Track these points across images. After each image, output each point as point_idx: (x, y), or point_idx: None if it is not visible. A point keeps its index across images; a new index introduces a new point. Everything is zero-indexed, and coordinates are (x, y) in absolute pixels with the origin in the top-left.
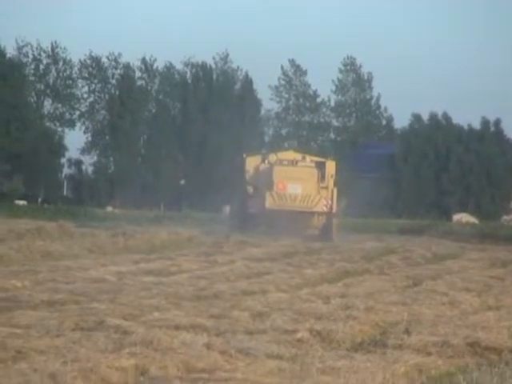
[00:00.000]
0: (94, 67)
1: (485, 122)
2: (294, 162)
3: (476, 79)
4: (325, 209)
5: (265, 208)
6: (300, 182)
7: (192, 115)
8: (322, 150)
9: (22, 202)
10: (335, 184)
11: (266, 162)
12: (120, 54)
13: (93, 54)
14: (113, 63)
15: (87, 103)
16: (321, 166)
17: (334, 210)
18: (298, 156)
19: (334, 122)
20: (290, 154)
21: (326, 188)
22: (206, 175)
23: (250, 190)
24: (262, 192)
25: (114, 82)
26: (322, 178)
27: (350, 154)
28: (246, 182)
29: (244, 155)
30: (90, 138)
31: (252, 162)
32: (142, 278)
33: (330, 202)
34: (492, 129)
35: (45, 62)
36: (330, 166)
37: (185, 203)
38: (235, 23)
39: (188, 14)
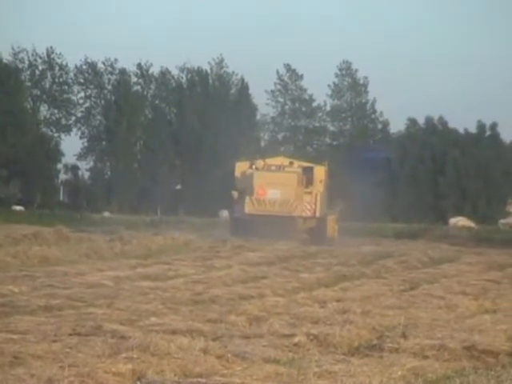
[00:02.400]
0: (90, 73)
1: (481, 126)
2: (280, 168)
3: (472, 83)
4: (308, 213)
5: (244, 213)
6: (280, 187)
7: (188, 120)
8: (319, 154)
9: (18, 208)
10: (326, 188)
11: (254, 167)
12: (116, 60)
13: (88, 60)
14: (109, 68)
15: (83, 108)
16: (308, 172)
17: (318, 214)
18: (286, 162)
19: (330, 127)
20: (279, 160)
21: (311, 193)
22: (202, 180)
23: (235, 195)
24: (243, 197)
25: (109, 87)
26: (308, 183)
27: (346, 158)
28: (233, 188)
29: (236, 161)
30: (86, 144)
31: (241, 168)
32: (139, 282)
33: (313, 206)
34: (488, 133)
35: (40, 67)
36: (319, 171)
37: (181, 208)
38: (230, 28)
39: (183, 19)
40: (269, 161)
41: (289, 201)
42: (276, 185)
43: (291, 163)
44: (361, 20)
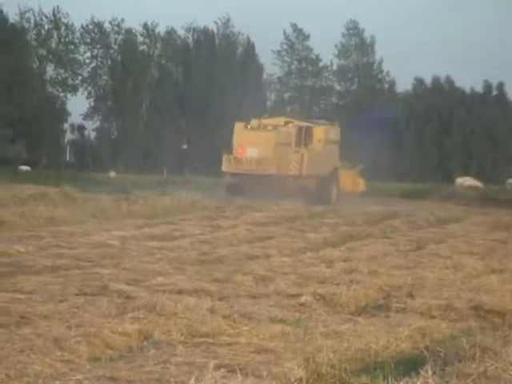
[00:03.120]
0: (96, 32)
1: (487, 86)
2: (266, 127)
3: (479, 42)
4: (294, 172)
5: (223, 171)
6: (258, 146)
7: (194, 80)
8: (325, 114)
9: (25, 168)
10: (328, 147)
11: (249, 127)
12: (122, 20)
13: (95, 20)
14: (115, 28)
15: (89, 68)
16: (301, 131)
17: (305, 173)
18: (282, 121)
19: (337, 87)
20: (276, 120)
21: (298, 152)
22: (208, 140)
23: (224, 155)
24: None
25: (116, 47)
26: (299, 142)
27: (353, 118)
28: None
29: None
30: (92, 104)
31: (238, 128)
32: (145, 242)
33: (299, 165)
34: (495, 92)
35: (47, 27)
36: (319, 131)
37: (187, 168)
38: None
39: None
40: (266, 121)
41: (266, 159)
42: (254, 143)
43: (287, 123)
44: None
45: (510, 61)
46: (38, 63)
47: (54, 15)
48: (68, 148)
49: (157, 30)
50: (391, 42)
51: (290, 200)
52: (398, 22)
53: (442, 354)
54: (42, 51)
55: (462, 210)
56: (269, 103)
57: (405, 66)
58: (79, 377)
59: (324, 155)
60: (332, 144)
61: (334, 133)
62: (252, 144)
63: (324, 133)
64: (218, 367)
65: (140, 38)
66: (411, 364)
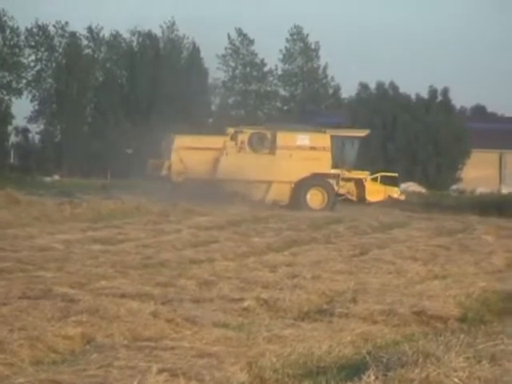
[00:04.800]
0: (41, 36)
1: (432, 91)
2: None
3: (424, 47)
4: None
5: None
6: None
7: (139, 84)
8: (269, 118)
9: None
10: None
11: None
12: (67, 23)
13: (39, 23)
14: (59, 31)
15: (34, 71)
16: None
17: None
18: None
19: (281, 91)
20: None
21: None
22: (153, 143)
23: None
24: None
25: (60, 50)
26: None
27: (298, 122)
28: None
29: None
30: (36, 107)
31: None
32: (89, 246)
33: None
34: (440, 98)
35: None
36: (284, 138)
37: (132, 172)
38: None
39: None
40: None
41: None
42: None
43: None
44: None
45: (455, 67)
46: None
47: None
48: (12, 151)
49: (101, 34)
50: (336, 47)
51: (235, 205)
52: (343, 28)
53: (384, 360)
54: None
55: (406, 216)
56: (213, 107)
57: (350, 71)
58: (22, 380)
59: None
60: (308, 151)
61: (316, 140)
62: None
63: (290, 139)
64: (160, 371)
65: (84, 42)
66: (354, 369)
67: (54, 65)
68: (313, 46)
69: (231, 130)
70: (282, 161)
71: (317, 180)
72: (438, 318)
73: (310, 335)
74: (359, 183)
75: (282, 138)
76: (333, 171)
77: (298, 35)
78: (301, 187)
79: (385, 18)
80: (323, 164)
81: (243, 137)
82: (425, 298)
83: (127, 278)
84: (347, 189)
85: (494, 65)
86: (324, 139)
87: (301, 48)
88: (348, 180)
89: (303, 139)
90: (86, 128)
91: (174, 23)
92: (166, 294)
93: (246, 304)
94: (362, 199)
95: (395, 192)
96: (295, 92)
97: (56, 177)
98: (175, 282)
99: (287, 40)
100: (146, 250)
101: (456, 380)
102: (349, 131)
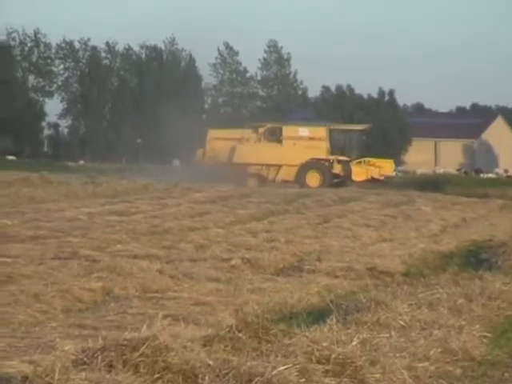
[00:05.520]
0: (68, 49)
1: (381, 92)
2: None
3: (374, 55)
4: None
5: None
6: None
7: (147, 87)
8: (251, 115)
9: (11, 157)
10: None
11: None
12: (89, 39)
13: (66, 39)
14: (83, 46)
15: (63, 78)
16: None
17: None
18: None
19: (261, 93)
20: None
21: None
22: (158, 135)
23: None
24: None
25: (84, 61)
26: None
27: (275, 118)
28: None
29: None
30: (65, 106)
31: None
32: (107, 217)
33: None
34: (387, 97)
35: (29, 45)
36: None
37: (142, 158)
38: (181, 10)
39: (142, 6)
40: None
41: None
42: None
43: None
44: (285, 4)
45: (400, 71)
46: (22, 74)
47: (35, 35)
48: (46, 142)
49: (116, 48)
50: (304, 57)
51: (224, 183)
52: (309, 42)
53: (344, 306)
54: (25, 64)
55: (360, 192)
56: (206, 106)
57: (314, 76)
58: (54, 324)
59: (290, 148)
60: (307, 140)
61: (314, 132)
62: None
63: (293, 132)
64: (165, 317)
65: (103, 54)
66: (319, 314)
67: (78, 73)
68: (285, 56)
69: (259, 124)
70: (287, 148)
71: (314, 164)
72: (387, 273)
73: (285, 287)
74: (347, 166)
75: (287, 130)
76: (327, 157)
77: (273, 47)
78: (302, 169)
79: (343, 32)
80: (320, 151)
81: (262, 130)
82: (376, 257)
83: (138, 242)
84: (339, 170)
85: (430, 69)
86: (320, 131)
87: (276, 58)
88: (339, 163)
89: (303, 131)
90: (105, 123)
91: (174, 39)
92: (170, 255)
93: (233, 262)
94: (349, 179)
95: (376, 173)
96: (272, 93)
97: (81, 162)
98: (177, 245)
99: (265, 51)
100: (153, 220)
101: (401, 322)
102: (348, 125)
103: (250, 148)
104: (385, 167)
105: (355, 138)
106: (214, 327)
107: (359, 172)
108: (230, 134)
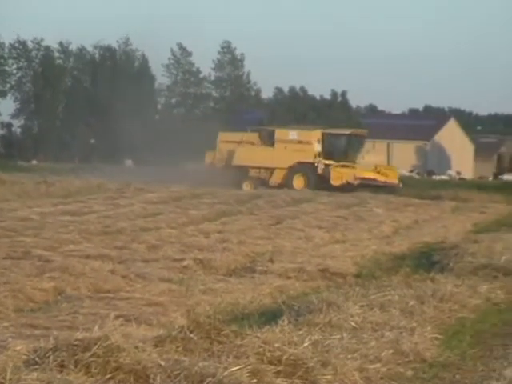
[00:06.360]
0: (22, 49)
1: (334, 94)
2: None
3: (326, 58)
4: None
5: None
6: None
7: (100, 87)
8: (204, 115)
9: None
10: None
11: None
12: (42, 39)
13: (20, 39)
14: (36, 46)
15: (16, 78)
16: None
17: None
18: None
19: (214, 93)
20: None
21: None
22: (111, 135)
23: None
24: None
25: (37, 60)
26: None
27: (228, 119)
28: None
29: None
30: (18, 106)
31: None
32: (60, 217)
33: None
34: (340, 99)
35: None
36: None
37: (95, 157)
38: (135, 10)
39: (96, 6)
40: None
41: None
42: None
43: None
44: (239, 4)
45: (353, 72)
46: None
47: None
48: None
49: (70, 48)
50: (257, 58)
51: (177, 183)
52: (263, 43)
53: (295, 307)
54: None
55: (313, 193)
56: (159, 106)
57: (268, 77)
58: (6, 324)
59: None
60: (296, 144)
61: (302, 135)
62: None
63: (284, 135)
64: (117, 317)
65: (56, 54)
66: (271, 315)
67: (32, 73)
68: (239, 57)
69: (261, 128)
70: (279, 152)
71: (300, 167)
72: (339, 274)
73: (237, 288)
74: (328, 170)
75: (279, 133)
76: (313, 160)
77: (227, 48)
78: (289, 172)
79: (296, 34)
80: (306, 154)
81: (260, 133)
82: (328, 258)
83: (91, 242)
84: (323, 172)
85: (383, 70)
86: (307, 135)
87: (229, 59)
88: (326, 166)
89: (293, 135)
90: (58, 123)
91: (128, 39)
92: (122, 255)
93: (185, 263)
94: (327, 183)
95: (351, 177)
96: (225, 94)
97: (34, 162)
98: (129, 245)
99: (219, 52)
100: (106, 220)
101: (353, 324)
102: (344, 130)
103: (247, 151)
104: (389, 174)
105: (355, 142)
106: (166, 328)
107: (335, 176)
108: (236, 137)
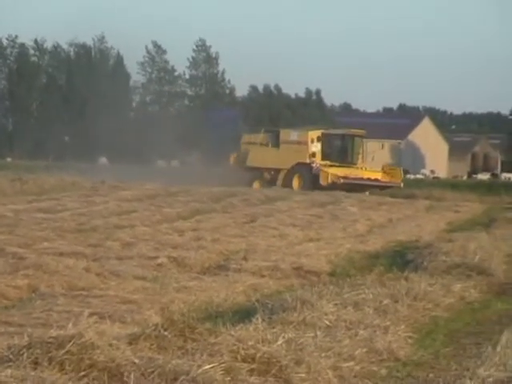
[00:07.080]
0: None
1: (308, 92)
2: None
3: (301, 56)
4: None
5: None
6: None
7: (75, 85)
8: (179, 113)
9: None
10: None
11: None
12: (17, 36)
13: None
14: (11, 43)
15: None
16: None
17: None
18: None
19: (188, 92)
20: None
21: None
22: (86, 133)
23: None
24: None
25: (12, 58)
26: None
27: (203, 117)
28: None
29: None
30: None
31: None
32: (34, 214)
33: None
34: (314, 97)
35: None
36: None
37: (69, 155)
38: (110, 9)
39: (70, 3)
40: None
41: None
42: None
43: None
44: (214, 4)
45: (327, 71)
46: None
47: None
48: None
49: (45, 45)
50: (232, 56)
51: (151, 182)
52: (237, 41)
53: (269, 306)
54: None
55: (287, 191)
56: (134, 104)
57: (242, 75)
58: None
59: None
60: (296, 144)
61: (300, 136)
62: None
63: (287, 136)
64: (91, 314)
65: (31, 51)
66: (245, 313)
67: (6, 70)
68: (214, 55)
69: (273, 129)
70: (283, 152)
71: (298, 168)
72: (313, 273)
73: (211, 286)
74: (318, 170)
75: (283, 134)
76: (309, 161)
77: (202, 46)
78: (289, 173)
79: (271, 32)
80: (303, 155)
81: (270, 135)
82: (302, 257)
83: (65, 240)
84: (316, 172)
85: (358, 69)
86: (304, 135)
87: (204, 57)
88: (323, 166)
89: (293, 135)
90: (33, 120)
91: (103, 37)
92: (96, 252)
93: (159, 261)
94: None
95: (335, 177)
96: (200, 92)
97: (8, 159)
98: (103, 243)
99: (193, 50)
100: (80, 218)
101: (327, 322)
102: (344, 130)
103: (258, 152)
104: (393, 175)
105: (356, 142)
106: (140, 325)
107: (323, 176)
108: (256, 139)
